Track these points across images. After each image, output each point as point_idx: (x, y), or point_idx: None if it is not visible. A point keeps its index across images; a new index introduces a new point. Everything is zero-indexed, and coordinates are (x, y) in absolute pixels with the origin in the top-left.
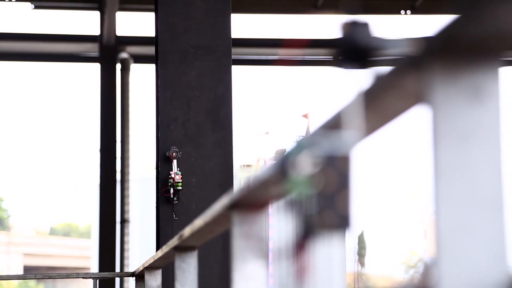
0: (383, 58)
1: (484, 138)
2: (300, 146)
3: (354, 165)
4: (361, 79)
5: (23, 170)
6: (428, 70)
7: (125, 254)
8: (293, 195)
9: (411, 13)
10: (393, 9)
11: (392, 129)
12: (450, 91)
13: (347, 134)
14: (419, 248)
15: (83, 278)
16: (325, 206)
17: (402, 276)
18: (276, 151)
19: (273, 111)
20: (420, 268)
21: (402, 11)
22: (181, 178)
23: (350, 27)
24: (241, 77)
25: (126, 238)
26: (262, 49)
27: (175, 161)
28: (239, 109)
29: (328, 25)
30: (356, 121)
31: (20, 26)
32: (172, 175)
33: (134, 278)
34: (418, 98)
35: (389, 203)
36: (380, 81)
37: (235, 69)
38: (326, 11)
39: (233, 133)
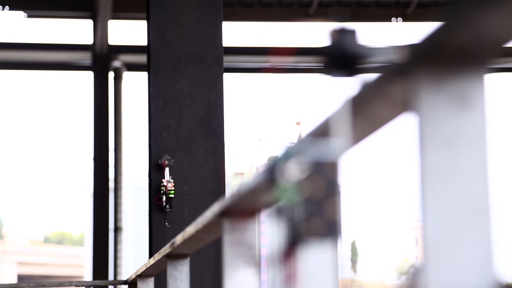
0: (370, 66)
1: (470, 144)
2: (289, 153)
3: (342, 172)
4: (348, 86)
5: (16, 179)
6: (414, 78)
7: (118, 262)
8: (282, 202)
9: (403, 21)
10: (385, 17)
11: (380, 136)
12: (436, 98)
13: (335, 141)
14: (411, 255)
15: (76, 286)
16: (313, 213)
17: (394, 282)
18: (269, 159)
19: (266, 118)
20: (410, 274)
21: (394, 19)
22: (174, 186)
23: (338, 34)
24: (233, 85)
25: (119, 246)
26: (254, 57)
27: (167, 169)
28: (231, 117)
29: (319, 33)
30: (344, 128)
31: (13, 34)
32: (165, 183)
33: (127, 286)
34: (405, 105)
35: (381, 210)
36: (367, 88)
37: (227, 77)
38: (317, 19)
39: (225, 141)
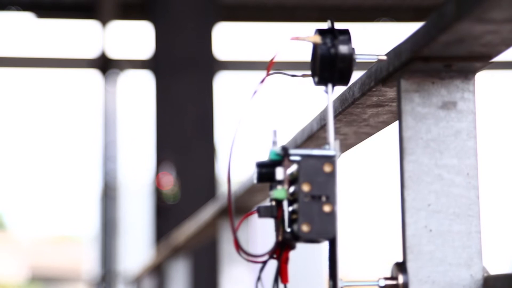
0: (356, 70)
1: (454, 147)
2: (279, 154)
3: (331, 173)
4: (335, 91)
5: (22, 178)
6: (400, 82)
7: (120, 260)
8: (274, 200)
9: (393, 21)
10: (372, 18)
11: (368, 139)
12: (423, 102)
13: (325, 146)
14: (397, 254)
15: (79, 282)
16: (303, 213)
17: (379, 280)
18: (262, 160)
19: (261, 121)
20: (392, 271)
21: (382, 19)
22: (174, 187)
23: (323, 37)
24: (231, 89)
25: (121, 246)
26: (252, 59)
27: (167, 171)
28: (227, 121)
29: (305, 36)
30: (331, 132)
31: (20, 35)
32: (165, 185)
33: (128, 283)
34: (391, 110)
35: (369, 208)
36: (353, 94)
37: (225, 81)
38: (305, 21)
39: (221, 144)
